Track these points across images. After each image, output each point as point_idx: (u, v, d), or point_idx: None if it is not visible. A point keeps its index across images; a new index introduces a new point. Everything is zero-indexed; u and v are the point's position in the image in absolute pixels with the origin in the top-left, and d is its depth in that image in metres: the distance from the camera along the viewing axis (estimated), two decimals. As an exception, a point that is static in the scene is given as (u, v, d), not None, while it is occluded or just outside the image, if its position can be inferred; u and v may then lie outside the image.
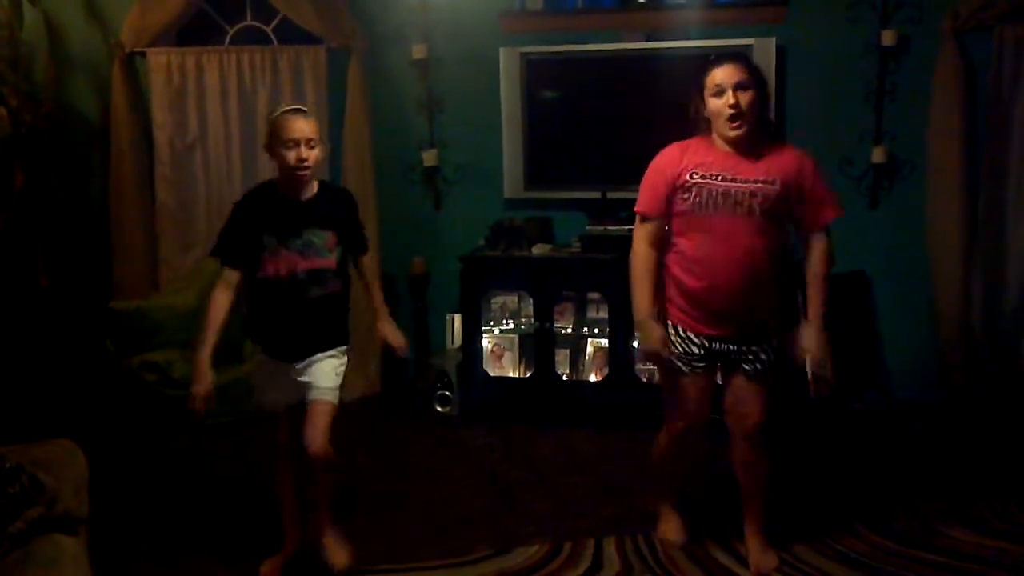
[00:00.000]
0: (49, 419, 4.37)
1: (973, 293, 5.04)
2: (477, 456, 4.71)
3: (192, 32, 5.81)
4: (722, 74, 3.14)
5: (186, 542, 3.75)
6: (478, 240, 5.35)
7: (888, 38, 4.97)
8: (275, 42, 5.69)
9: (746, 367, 3.30)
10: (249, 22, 5.76)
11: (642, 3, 5.42)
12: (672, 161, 3.25)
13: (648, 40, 5.20)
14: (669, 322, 3.33)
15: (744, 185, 3.15)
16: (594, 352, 5.23)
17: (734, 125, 3.13)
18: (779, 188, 3.17)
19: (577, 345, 5.28)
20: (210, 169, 5.62)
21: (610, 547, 3.62)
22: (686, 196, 3.19)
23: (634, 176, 5.11)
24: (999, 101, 4.89)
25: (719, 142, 3.21)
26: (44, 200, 5.24)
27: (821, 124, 5.14)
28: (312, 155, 3.15)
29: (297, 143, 3.12)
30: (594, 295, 5.21)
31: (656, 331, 3.26)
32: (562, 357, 5.26)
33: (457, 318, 5.41)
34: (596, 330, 5.22)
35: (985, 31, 4.86)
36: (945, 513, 3.86)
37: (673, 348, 3.30)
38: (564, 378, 5.24)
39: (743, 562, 3.49)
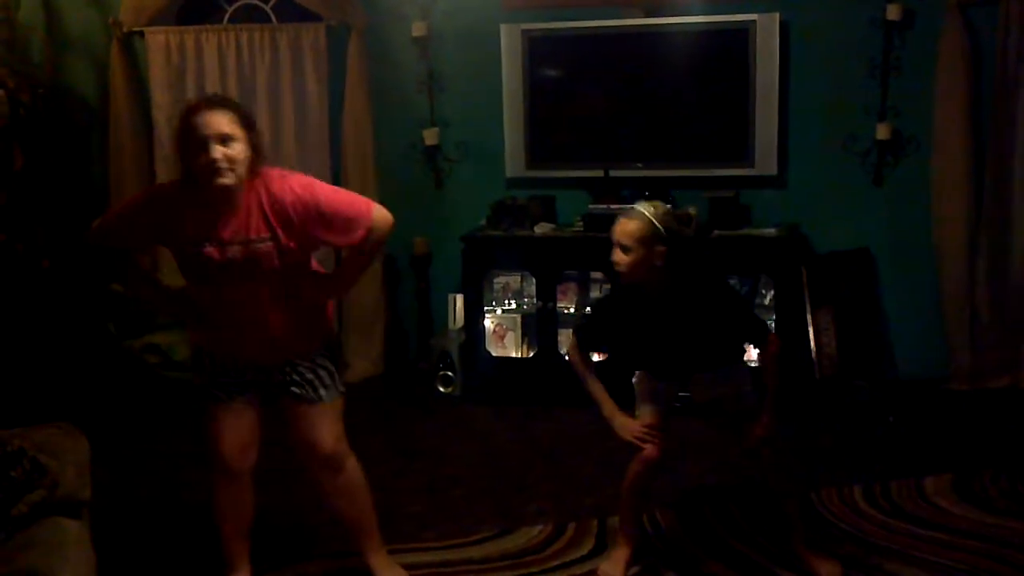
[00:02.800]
0: (51, 402, 4.36)
1: (978, 270, 5.01)
2: (480, 436, 4.70)
3: (191, 11, 5.77)
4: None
5: (189, 524, 3.75)
6: (480, 220, 5.33)
7: (893, 12, 4.92)
8: (274, 20, 5.64)
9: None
10: (248, 0, 5.71)
11: (644, -21, 5.37)
12: None
13: (649, 16, 5.15)
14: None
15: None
16: (597, 331, 5.21)
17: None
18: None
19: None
20: (210, 149, 5.59)
21: (614, 527, 3.60)
22: None
23: (637, 154, 5.17)
24: (1005, 76, 4.85)
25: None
26: (44, 182, 5.22)
27: (825, 100, 5.10)
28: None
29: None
30: (597, 274, 5.18)
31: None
32: (565, 337, 5.23)
33: (459, 298, 5.40)
34: (599, 309, 5.19)
35: (991, 4, 4.81)
36: (948, 490, 3.85)
37: None
38: (567, 358, 5.21)
39: (752, 544, 3.48)
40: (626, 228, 3.01)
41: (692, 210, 3.12)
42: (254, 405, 3.04)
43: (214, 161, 2.67)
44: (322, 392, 2.99)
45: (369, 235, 2.87)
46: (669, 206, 3.08)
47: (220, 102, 2.81)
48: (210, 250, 2.77)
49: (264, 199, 2.77)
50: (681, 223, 3.01)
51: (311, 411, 3.00)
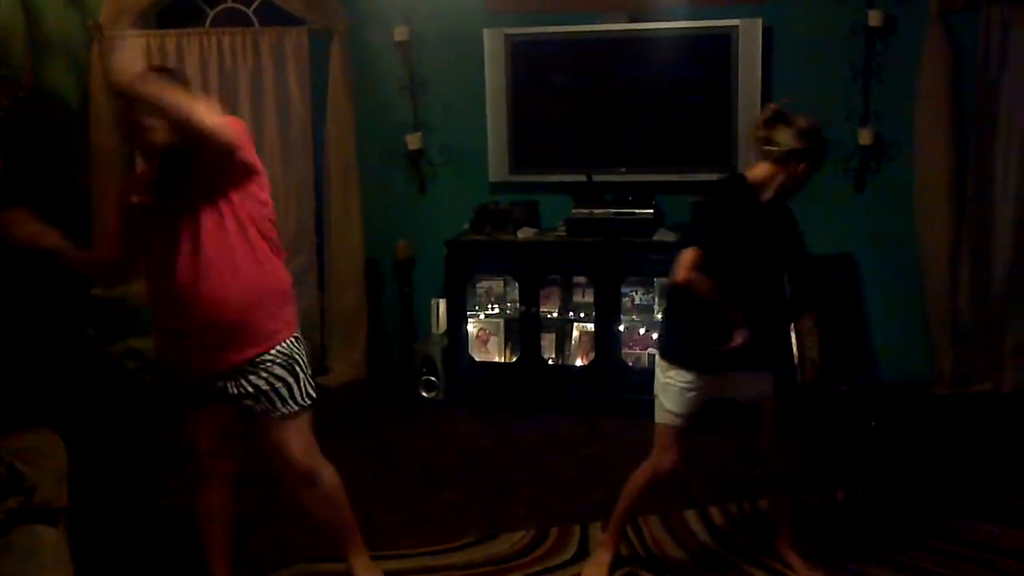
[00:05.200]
0: (29, 408, 4.32)
1: (960, 275, 5.04)
2: (462, 441, 4.69)
3: (172, 14, 5.74)
4: None
5: (169, 531, 3.71)
6: (463, 224, 5.32)
7: (875, 18, 4.94)
8: (256, 24, 5.62)
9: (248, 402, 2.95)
10: (230, 3, 5.69)
11: (627, -16, 5.38)
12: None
13: (632, 21, 5.15)
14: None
15: None
16: (580, 336, 5.21)
17: None
18: None
19: (563, 329, 5.26)
20: (191, 153, 5.56)
21: (597, 532, 3.59)
22: None
23: (620, 159, 5.17)
24: (986, 82, 4.88)
25: None
26: (25, 185, 5.17)
27: (807, 105, 5.01)
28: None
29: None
30: (580, 279, 5.18)
31: None
32: (548, 342, 5.24)
33: (442, 303, 5.38)
34: (582, 314, 5.19)
35: (972, 12, 4.84)
36: (932, 494, 3.86)
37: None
38: (550, 363, 5.22)
39: (730, 545, 3.48)
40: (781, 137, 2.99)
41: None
42: (227, 410, 2.94)
43: None
44: (279, 405, 2.87)
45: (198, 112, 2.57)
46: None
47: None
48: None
49: None
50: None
51: (272, 426, 2.90)
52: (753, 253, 2.98)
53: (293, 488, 3.06)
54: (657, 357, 3.13)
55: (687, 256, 2.86)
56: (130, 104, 2.63)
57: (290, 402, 2.87)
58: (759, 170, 3.02)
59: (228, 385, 2.83)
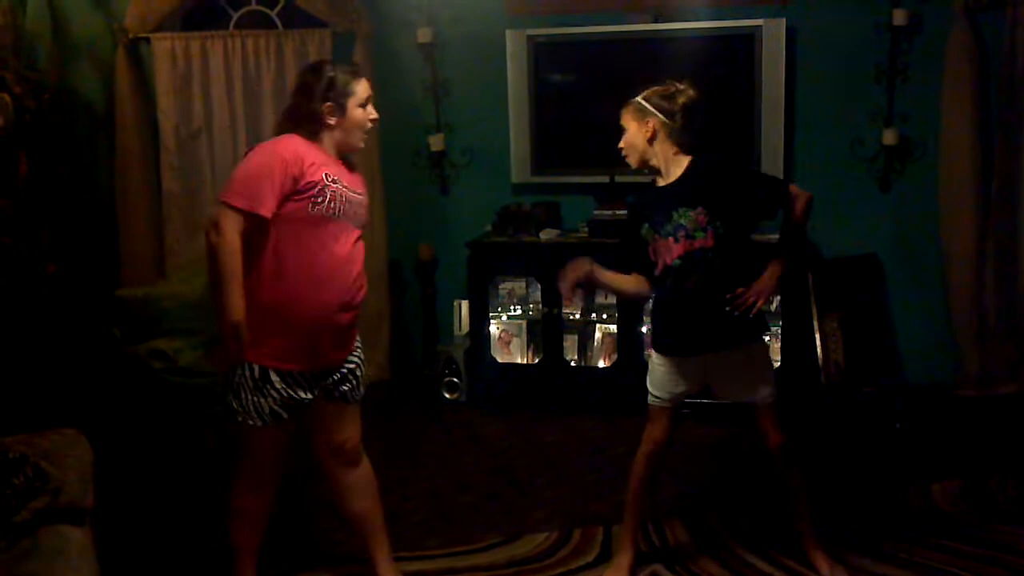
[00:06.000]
0: (55, 408, 4.35)
1: (986, 275, 4.99)
2: (485, 443, 4.69)
3: (196, 17, 5.77)
4: (366, 87, 3.01)
5: (194, 532, 3.73)
6: (485, 225, 5.32)
7: (899, 17, 4.91)
8: (280, 26, 5.64)
9: (345, 388, 3.05)
10: (254, 6, 5.71)
11: (650, -16, 5.36)
12: (299, 155, 2.83)
13: (656, 21, 5.14)
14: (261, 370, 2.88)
15: (357, 196, 2.96)
16: (603, 338, 5.20)
17: (364, 139, 3.03)
18: (368, 201, 3.06)
19: (585, 331, 5.25)
20: (215, 155, 5.59)
21: (620, 534, 3.59)
22: (319, 200, 2.82)
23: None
24: (1012, 80, 4.83)
25: (329, 148, 2.94)
26: (50, 188, 5.21)
27: (832, 105, 5.09)
28: None
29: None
30: (603, 280, 5.17)
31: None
32: (570, 343, 5.23)
33: (465, 304, 5.39)
34: (604, 315, 5.18)
35: (998, 10, 4.80)
36: (956, 496, 3.83)
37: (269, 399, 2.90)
38: (572, 364, 5.21)
39: (757, 551, 3.46)
40: (621, 113, 3.18)
41: (681, 84, 3.18)
42: (293, 420, 2.99)
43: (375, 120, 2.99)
44: (361, 388, 3.07)
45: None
46: (659, 86, 3.19)
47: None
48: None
49: None
50: (665, 98, 3.14)
51: (348, 410, 3.06)
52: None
53: (336, 475, 3.13)
54: None
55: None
56: None
57: (363, 384, 3.10)
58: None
59: (333, 376, 2.98)
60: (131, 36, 5.50)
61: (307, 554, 3.55)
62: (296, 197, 2.80)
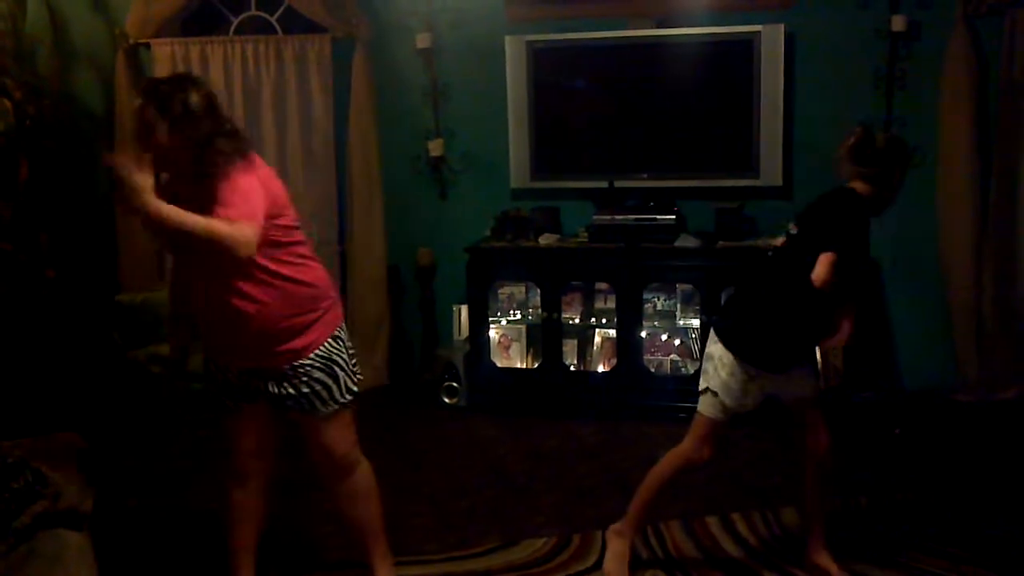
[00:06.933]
0: (54, 413, 4.36)
1: (984, 280, 5.00)
2: (484, 447, 4.69)
3: (196, 22, 5.78)
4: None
5: (193, 536, 3.73)
6: (484, 230, 5.33)
7: (898, 23, 4.92)
8: (279, 32, 5.66)
9: (289, 403, 2.99)
10: (253, 12, 5.73)
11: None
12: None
13: (656, 27, 5.15)
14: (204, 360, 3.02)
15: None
16: (602, 342, 5.20)
17: None
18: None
19: (585, 335, 5.26)
20: (215, 160, 5.59)
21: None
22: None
23: (642, 164, 5.17)
24: (1011, 87, 4.84)
25: None
26: (49, 192, 5.22)
27: (830, 111, 5.09)
28: None
29: None
30: (602, 285, 5.18)
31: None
32: (570, 348, 5.23)
33: (464, 309, 5.39)
34: (604, 320, 5.19)
35: (997, 16, 4.81)
36: (955, 501, 3.83)
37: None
38: (572, 369, 5.21)
39: (751, 552, 3.46)
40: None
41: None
42: (266, 411, 3.01)
43: None
44: (319, 406, 2.94)
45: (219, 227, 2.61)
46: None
47: None
48: None
49: None
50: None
51: (314, 423, 2.99)
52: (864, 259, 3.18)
53: (329, 483, 3.11)
54: (720, 352, 3.12)
55: (828, 259, 2.92)
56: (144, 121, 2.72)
57: (330, 402, 2.95)
58: (860, 187, 3.13)
59: (270, 385, 2.90)
60: (131, 41, 5.51)
61: (306, 559, 3.55)
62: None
